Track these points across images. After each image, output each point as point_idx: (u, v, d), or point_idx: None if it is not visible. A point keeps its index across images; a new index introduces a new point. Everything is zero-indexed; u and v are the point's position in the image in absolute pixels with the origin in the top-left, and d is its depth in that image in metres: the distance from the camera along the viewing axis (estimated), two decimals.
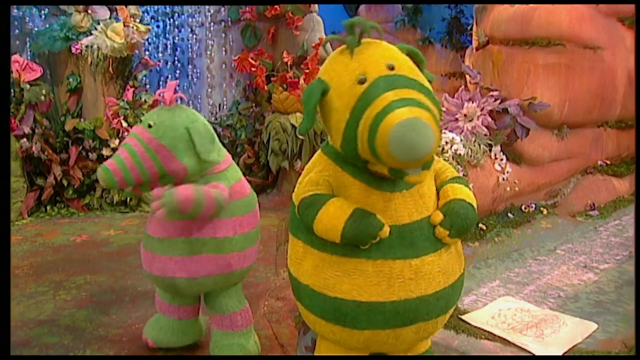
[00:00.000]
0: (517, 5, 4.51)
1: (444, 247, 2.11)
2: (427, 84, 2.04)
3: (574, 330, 2.83)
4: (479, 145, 4.04)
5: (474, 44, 4.95)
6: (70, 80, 5.95)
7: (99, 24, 5.86)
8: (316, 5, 6.72)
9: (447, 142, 3.86)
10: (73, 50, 5.79)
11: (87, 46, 5.80)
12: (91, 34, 5.84)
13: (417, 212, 2.10)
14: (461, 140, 3.93)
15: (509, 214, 4.17)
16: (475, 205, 2.15)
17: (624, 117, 5.04)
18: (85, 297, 3.64)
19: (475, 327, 2.89)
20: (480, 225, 3.94)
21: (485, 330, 2.85)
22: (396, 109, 1.82)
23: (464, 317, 2.98)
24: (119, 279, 3.96)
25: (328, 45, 5.79)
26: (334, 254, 2.12)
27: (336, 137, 2.05)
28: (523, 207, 4.27)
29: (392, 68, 1.98)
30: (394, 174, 1.96)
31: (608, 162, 4.91)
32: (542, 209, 4.31)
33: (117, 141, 5.73)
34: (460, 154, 3.85)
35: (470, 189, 2.21)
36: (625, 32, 4.94)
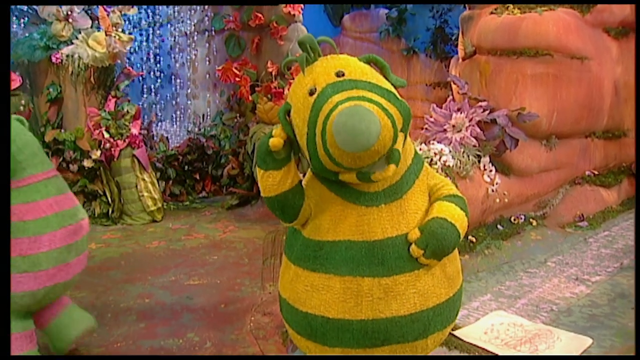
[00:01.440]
0: (504, 15, 4.49)
1: (423, 267, 2.04)
2: (385, 86, 2.02)
3: (568, 346, 2.77)
4: (468, 156, 3.99)
5: (460, 54, 4.92)
6: (51, 90, 5.84)
7: (80, 33, 5.76)
8: (300, 14, 6.68)
9: (435, 154, 3.81)
10: (53, 59, 5.69)
11: (67, 55, 5.69)
12: (72, 43, 5.74)
13: (393, 229, 2.04)
14: (450, 151, 3.88)
15: (499, 226, 4.12)
16: (459, 226, 2.07)
17: (611, 127, 5.04)
18: None
19: (468, 343, 2.82)
20: (470, 237, 3.89)
21: (478, 347, 2.78)
22: (339, 105, 1.84)
23: (456, 332, 2.91)
24: (101, 294, 3.85)
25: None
26: (305, 268, 2.10)
27: (305, 153, 2.04)
28: (512, 219, 4.22)
29: (340, 75, 1.98)
30: (360, 178, 1.94)
31: (596, 172, 4.89)
32: (531, 220, 4.27)
33: (98, 152, 5.62)
34: (449, 166, 3.80)
35: (464, 209, 2.13)
36: (611, 43, 4.94)
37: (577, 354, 2.71)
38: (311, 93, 1.98)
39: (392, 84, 2.09)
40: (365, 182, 1.98)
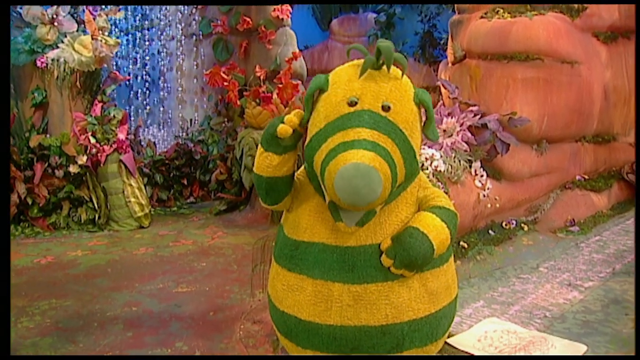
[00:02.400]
0: (494, 20, 4.47)
1: (398, 278, 1.99)
2: (414, 142, 1.95)
3: (563, 353, 2.74)
4: (459, 161, 3.96)
5: (450, 58, 4.90)
6: (35, 94, 5.75)
7: (65, 36, 5.68)
8: (289, 19, 6.65)
9: (427, 159, 3.78)
10: (38, 63, 5.60)
11: (53, 59, 5.62)
12: (57, 47, 5.66)
13: (367, 237, 2.01)
14: (441, 156, 3.85)
15: (490, 231, 4.10)
16: (433, 237, 1.99)
17: (601, 131, 5.04)
18: (49, 323, 3.45)
19: (462, 351, 2.78)
20: (461, 243, 3.86)
21: (472, 355, 2.74)
22: (356, 148, 1.78)
23: (449, 340, 2.87)
24: (87, 303, 3.77)
25: (301, 59, 5.69)
26: (283, 267, 2.11)
27: (308, 135, 2.01)
28: (504, 224, 4.20)
29: (386, 109, 1.90)
30: (330, 208, 1.95)
31: (586, 177, 4.89)
32: (522, 225, 4.25)
33: (84, 158, 5.54)
34: (440, 171, 3.77)
35: (446, 220, 2.05)
36: (600, 47, 4.95)
37: None
38: (351, 104, 1.90)
39: (427, 135, 2.06)
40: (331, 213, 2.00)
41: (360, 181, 1.73)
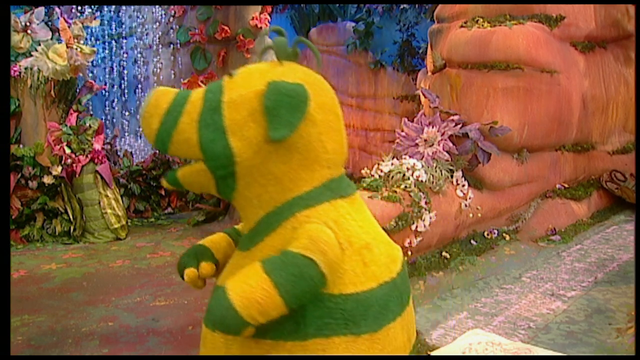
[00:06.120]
0: (474, 29, 4.47)
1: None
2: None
3: None
4: (441, 171, 3.93)
5: (430, 67, 4.88)
6: None
7: (39, 44, 5.58)
8: (267, 27, 6.61)
9: (408, 169, 3.75)
10: (11, 72, 5.49)
11: (26, 68, 5.52)
12: (31, 56, 5.56)
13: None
14: (422, 166, 3.82)
15: (472, 241, 4.07)
16: (236, 300, 1.42)
17: (580, 140, 5.06)
18: (21, 341, 3.34)
19: None
20: (444, 253, 3.82)
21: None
22: None
23: (433, 353, 2.82)
24: (61, 318, 3.68)
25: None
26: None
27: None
28: (486, 234, 4.17)
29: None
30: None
31: (566, 185, 4.90)
32: (504, 234, 4.23)
33: (59, 168, 5.43)
34: (422, 181, 3.74)
35: (273, 274, 1.46)
36: (578, 57, 4.97)
37: None
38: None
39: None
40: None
41: (149, 97, 1.73)
